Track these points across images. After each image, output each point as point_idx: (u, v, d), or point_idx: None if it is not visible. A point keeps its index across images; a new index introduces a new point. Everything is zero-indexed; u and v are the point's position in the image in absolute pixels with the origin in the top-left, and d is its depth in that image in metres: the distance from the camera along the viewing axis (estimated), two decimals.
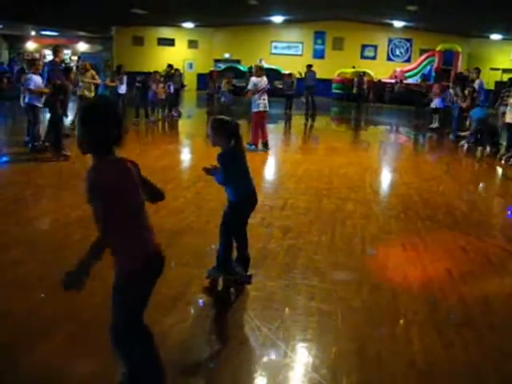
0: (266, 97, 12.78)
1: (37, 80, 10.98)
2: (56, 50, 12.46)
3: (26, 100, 11.15)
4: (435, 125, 19.27)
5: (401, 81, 31.92)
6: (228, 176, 4.69)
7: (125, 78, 16.44)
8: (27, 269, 5.24)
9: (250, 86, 12.77)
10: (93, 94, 14.28)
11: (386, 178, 10.94)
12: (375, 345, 4.13)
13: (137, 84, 17.91)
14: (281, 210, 7.71)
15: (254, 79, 12.74)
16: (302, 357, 3.97)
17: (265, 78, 12.89)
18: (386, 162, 13.19)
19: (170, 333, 4.13)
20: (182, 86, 20.82)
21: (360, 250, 6.24)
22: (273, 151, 13.07)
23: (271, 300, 4.78)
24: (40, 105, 11.10)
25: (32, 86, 10.86)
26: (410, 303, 4.87)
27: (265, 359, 3.88)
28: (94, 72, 14.38)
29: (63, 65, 13.70)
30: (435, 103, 19.14)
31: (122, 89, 16.27)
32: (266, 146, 12.81)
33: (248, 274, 5.07)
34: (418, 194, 9.18)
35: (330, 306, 4.70)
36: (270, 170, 11.20)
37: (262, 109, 12.70)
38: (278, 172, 10.99)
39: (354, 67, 33.04)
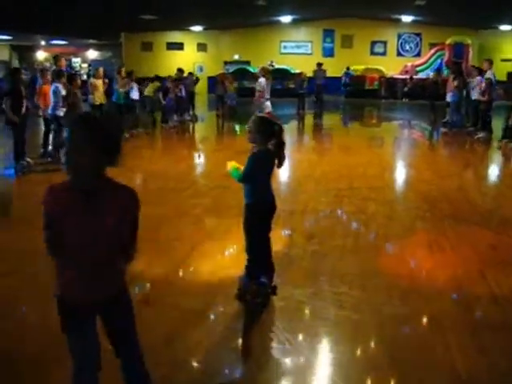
0: None
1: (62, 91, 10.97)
2: (56, 60, 12.49)
3: (50, 111, 11.07)
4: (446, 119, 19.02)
5: (411, 77, 31.57)
6: (250, 176, 4.58)
7: (135, 86, 16.29)
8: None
9: (259, 88, 12.64)
10: (104, 102, 14.19)
11: (405, 176, 10.73)
12: (412, 354, 3.95)
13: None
14: (302, 214, 7.55)
15: (262, 80, 12.61)
16: (334, 369, 3.80)
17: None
18: (402, 160, 12.99)
19: (196, 349, 3.98)
20: (195, 82, 20.69)
21: (386, 253, 6.07)
22: (288, 152, 12.81)
23: (299, 310, 4.62)
24: (62, 114, 11.02)
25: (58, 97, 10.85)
26: (443, 308, 4.69)
27: (296, 373, 3.72)
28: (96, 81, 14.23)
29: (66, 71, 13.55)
30: (449, 97, 18.88)
31: (135, 94, 16.12)
32: None
33: (273, 284, 4.89)
34: (439, 191, 8.98)
35: (361, 315, 4.52)
36: (286, 173, 11.02)
37: (270, 109, 12.62)
38: (295, 174, 10.72)
39: (347, 68, 32.76)
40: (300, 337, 4.17)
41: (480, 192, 9.26)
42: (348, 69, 32.76)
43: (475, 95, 15.46)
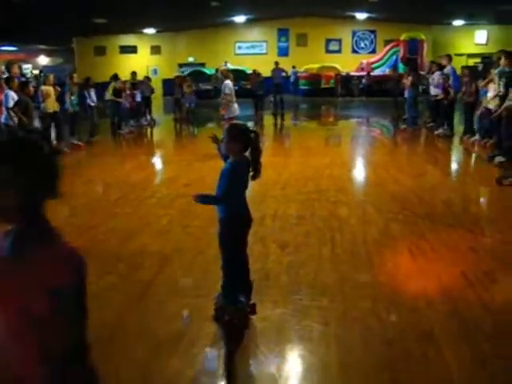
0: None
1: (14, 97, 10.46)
2: (9, 66, 11.98)
3: (2, 120, 10.57)
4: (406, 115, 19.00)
5: (368, 73, 31.61)
6: (229, 194, 4.22)
7: (93, 91, 15.67)
8: None
9: (227, 91, 12.28)
10: (57, 109, 13.59)
11: (372, 176, 10.47)
12: (408, 370, 3.69)
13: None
14: (272, 221, 7.24)
15: (229, 83, 12.29)
16: None
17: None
18: (368, 159, 12.77)
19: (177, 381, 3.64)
20: (152, 91, 20.09)
21: (366, 261, 5.79)
22: None
23: (282, 330, 4.29)
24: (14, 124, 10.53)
25: (10, 105, 10.32)
26: (433, 317, 4.44)
27: None
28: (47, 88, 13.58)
29: (19, 79, 12.92)
30: (406, 93, 18.85)
31: (93, 100, 15.51)
32: None
33: (251, 302, 4.57)
34: (410, 191, 8.79)
35: (347, 331, 4.24)
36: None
37: (237, 113, 12.30)
38: (261, 178, 10.38)
39: (293, 67, 32.78)
40: (287, 362, 3.87)
41: (450, 190, 9.11)
42: (294, 67, 32.77)
43: (436, 91, 15.36)
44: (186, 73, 32.01)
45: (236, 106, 12.29)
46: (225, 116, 12.36)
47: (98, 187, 9.92)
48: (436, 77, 15.46)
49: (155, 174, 11.87)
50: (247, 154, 4.30)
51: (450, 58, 15.70)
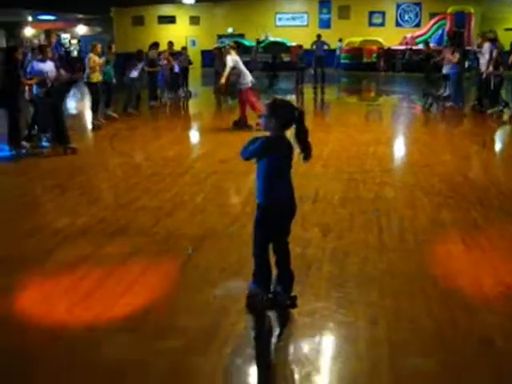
0: None
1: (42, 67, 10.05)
2: (48, 35, 11.62)
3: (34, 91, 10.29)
4: (446, 92, 18.17)
5: (410, 48, 30.59)
6: (253, 156, 3.91)
7: (141, 64, 15.15)
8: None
9: (231, 64, 12.12)
10: (101, 79, 13.15)
11: (419, 156, 9.78)
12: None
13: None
14: (313, 203, 6.78)
15: (229, 58, 12.16)
16: None
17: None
18: (412, 137, 12.11)
19: None
20: (190, 62, 19.57)
21: (416, 251, 5.30)
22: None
23: (326, 329, 3.87)
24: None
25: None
26: (492, 321, 3.95)
27: None
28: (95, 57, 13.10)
29: (63, 50, 12.53)
30: (446, 69, 18.01)
31: (134, 73, 15.02)
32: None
33: (293, 294, 4.15)
34: (459, 173, 8.25)
35: (399, 333, 3.79)
36: None
37: (250, 80, 12.24)
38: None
39: (340, 40, 31.96)
40: (330, 365, 3.45)
41: (503, 174, 8.51)
42: (340, 40, 32.02)
43: (485, 66, 14.53)
44: (225, 44, 31.54)
45: (247, 75, 12.09)
46: (239, 86, 12.23)
47: (132, 161, 9.57)
48: (486, 51, 14.66)
49: (190, 148, 11.43)
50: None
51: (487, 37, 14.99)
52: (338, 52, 31.80)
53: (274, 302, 4.13)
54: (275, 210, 3.97)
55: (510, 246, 5.48)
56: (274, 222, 4.00)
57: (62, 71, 10.33)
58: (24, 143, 10.09)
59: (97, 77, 12.77)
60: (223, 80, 12.52)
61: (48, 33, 12.56)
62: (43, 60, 9.91)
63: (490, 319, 3.98)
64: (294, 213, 4.05)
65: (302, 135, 3.86)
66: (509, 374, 3.37)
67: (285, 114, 3.84)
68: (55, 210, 6.93)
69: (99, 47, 13.19)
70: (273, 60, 26.86)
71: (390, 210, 6.49)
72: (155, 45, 16.93)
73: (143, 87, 16.03)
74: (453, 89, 15.57)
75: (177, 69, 17.96)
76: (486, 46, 14.51)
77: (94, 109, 13.02)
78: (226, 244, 5.47)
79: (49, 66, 9.91)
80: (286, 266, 4.14)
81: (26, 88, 10.34)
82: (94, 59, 12.65)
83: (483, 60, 14.55)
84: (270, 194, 3.92)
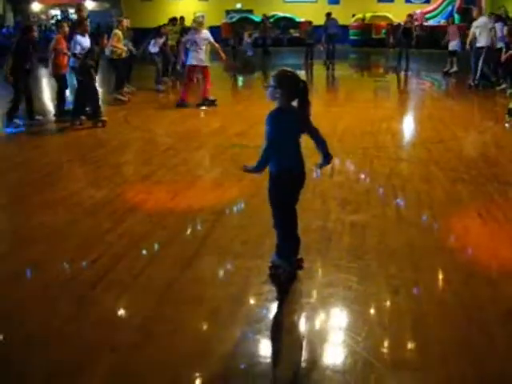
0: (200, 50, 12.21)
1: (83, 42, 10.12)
2: (79, 9, 11.59)
3: (71, 64, 10.42)
4: (453, 69, 18.10)
5: (421, 24, 30.29)
6: (275, 140, 3.92)
7: (162, 39, 15.08)
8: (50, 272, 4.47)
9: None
10: (124, 54, 13.11)
11: (432, 132, 9.70)
12: (490, 357, 3.31)
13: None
14: (330, 177, 6.83)
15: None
16: (403, 375, 3.16)
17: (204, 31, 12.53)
18: (425, 113, 12.05)
19: (234, 355, 3.35)
20: None
21: (433, 225, 5.37)
22: None
23: (348, 299, 3.93)
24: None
25: (78, 50, 10.02)
26: None
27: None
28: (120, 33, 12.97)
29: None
30: (453, 45, 17.94)
31: (155, 48, 14.96)
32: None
33: (299, 257, 4.31)
34: (473, 148, 8.32)
35: (421, 305, 3.86)
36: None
37: (194, 62, 12.18)
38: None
39: (353, 15, 31.68)
40: (356, 334, 3.52)
41: None
42: (354, 16, 31.76)
43: (499, 44, 14.44)
44: (233, 19, 31.39)
45: (195, 54, 12.15)
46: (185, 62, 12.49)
47: (148, 136, 9.62)
48: (498, 29, 14.58)
49: (207, 123, 11.41)
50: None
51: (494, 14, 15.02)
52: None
53: (295, 272, 4.23)
54: (284, 178, 4.05)
55: None
56: (285, 189, 4.10)
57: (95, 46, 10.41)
58: (38, 117, 10.32)
59: (121, 52, 12.74)
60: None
61: (79, 6, 12.38)
62: (83, 34, 10.02)
63: (510, 292, 4.05)
64: (303, 181, 4.16)
65: (304, 108, 3.94)
66: None
67: (290, 85, 3.92)
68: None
69: (126, 21, 13.14)
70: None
71: (406, 185, 6.54)
72: (174, 19, 16.89)
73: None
74: (474, 65, 15.33)
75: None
76: (497, 24, 14.46)
77: (120, 85, 13.05)
78: (246, 217, 5.55)
79: (88, 41, 10.06)
80: (293, 232, 4.23)
81: (50, 64, 10.49)
82: (119, 35, 12.60)
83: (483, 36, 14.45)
84: (277, 162, 4.01)
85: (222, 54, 12.63)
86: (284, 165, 4.02)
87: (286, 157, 4.02)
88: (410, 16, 19.84)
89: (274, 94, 3.93)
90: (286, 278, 4.20)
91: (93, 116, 10.03)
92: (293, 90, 3.90)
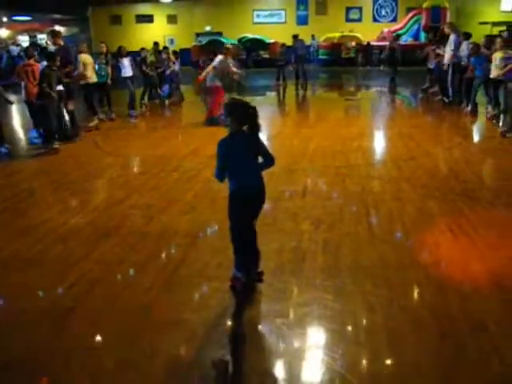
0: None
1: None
2: (55, 35, 11.56)
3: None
4: (434, 88, 18.39)
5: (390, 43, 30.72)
6: (222, 168, 4.29)
7: (127, 60, 14.65)
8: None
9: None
10: (95, 80, 13.01)
11: (403, 149, 9.81)
12: (465, 369, 3.37)
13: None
14: (302, 197, 6.92)
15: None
16: None
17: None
18: (396, 131, 12.17)
19: (212, 378, 3.37)
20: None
21: (405, 241, 5.47)
22: (277, 126, 12.35)
23: (324, 318, 3.99)
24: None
25: None
26: (484, 307, 4.11)
27: None
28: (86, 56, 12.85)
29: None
30: (431, 63, 18.26)
31: (127, 71, 14.63)
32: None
33: (259, 270, 4.54)
34: (443, 165, 8.43)
35: (396, 321, 3.92)
36: (278, 148, 10.27)
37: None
38: (288, 150, 9.78)
39: (342, 31, 32.12)
40: (333, 353, 3.56)
41: (484, 164, 8.70)
42: (313, 37, 32.30)
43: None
44: (202, 42, 31.60)
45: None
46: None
47: (122, 160, 9.61)
48: (465, 47, 14.86)
49: (181, 146, 11.39)
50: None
51: (452, 25, 15.44)
52: (312, 48, 31.98)
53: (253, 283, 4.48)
54: (242, 195, 4.30)
55: (495, 234, 5.63)
56: (242, 206, 4.32)
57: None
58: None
59: (87, 78, 12.60)
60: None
61: (55, 33, 12.10)
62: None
63: (482, 305, 4.13)
64: (263, 197, 4.40)
65: (254, 129, 4.25)
66: (503, 358, 3.51)
67: (239, 112, 4.24)
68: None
69: (84, 46, 12.99)
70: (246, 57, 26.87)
71: (378, 203, 6.63)
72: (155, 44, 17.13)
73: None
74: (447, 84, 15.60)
75: (177, 67, 17.66)
76: (452, 37, 14.85)
77: (91, 110, 13.02)
78: (220, 240, 5.57)
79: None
80: (252, 246, 4.45)
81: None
82: (84, 60, 12.48)
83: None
84: (235, 181, 4.30)
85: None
86: (242, 183, 4.30)
87: (242, 176, 4.30)
88: (396, 37, 20.25)
89: (226, 121, 4.30)
90: (240, 288, 4.41)
91: (46, 141, 10.05)
92: (242, 116, 4.22)
